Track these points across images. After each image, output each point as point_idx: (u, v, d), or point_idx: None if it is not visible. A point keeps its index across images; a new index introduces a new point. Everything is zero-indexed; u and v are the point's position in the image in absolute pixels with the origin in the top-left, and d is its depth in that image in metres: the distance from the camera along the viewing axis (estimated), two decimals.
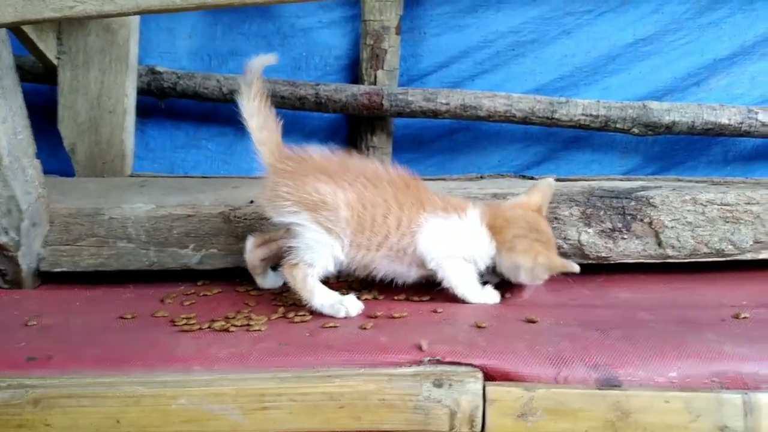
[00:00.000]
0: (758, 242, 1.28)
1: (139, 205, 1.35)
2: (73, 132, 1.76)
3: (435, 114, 1.88)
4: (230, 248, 1.31)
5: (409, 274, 1.15)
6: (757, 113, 1.77)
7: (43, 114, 1.84)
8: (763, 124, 1.77)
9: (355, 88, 1.87)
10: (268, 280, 1.25)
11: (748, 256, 1.29)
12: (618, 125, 1.80)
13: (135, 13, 1.16)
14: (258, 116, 1.17)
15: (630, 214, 1.29)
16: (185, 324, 1.05)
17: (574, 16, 1.93)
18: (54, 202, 1.34)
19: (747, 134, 1.80)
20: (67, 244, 1.31)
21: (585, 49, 1.95)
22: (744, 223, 1.28)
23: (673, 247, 1.28)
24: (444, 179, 1.58)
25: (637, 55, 1.94)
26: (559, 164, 2.01)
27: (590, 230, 1.29)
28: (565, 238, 1.29)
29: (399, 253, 1.12)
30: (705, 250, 1.28)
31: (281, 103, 1.89)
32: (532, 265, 1.12)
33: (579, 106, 1.81)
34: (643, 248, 1.29)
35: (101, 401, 0.86)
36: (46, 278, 1.33)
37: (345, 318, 1.07)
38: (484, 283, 1.17)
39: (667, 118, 1.78)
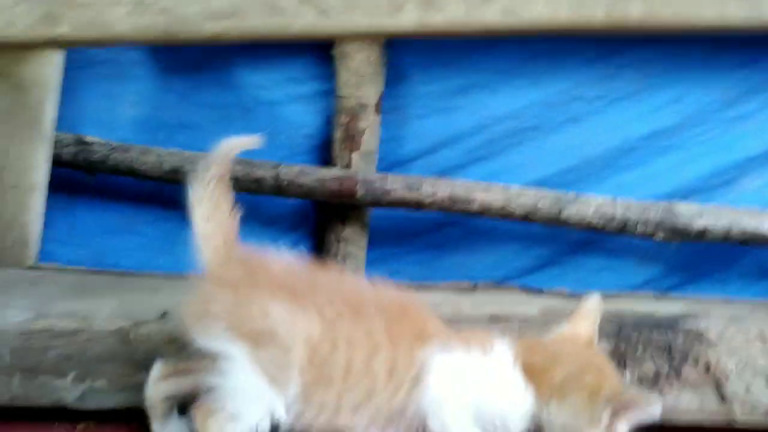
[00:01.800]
0: None
1: (12, 312, 0.99)
2: None
3: (418, 205, 1.56)
4: (125, 381, 0.94)
5: None
6: None
7: None
8: None
9: (323, 172, 1.56)
10: (170, 428, 0.87)
11: None
12: (639, 229, 1.49)
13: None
14: (207, 203, 0.89)
15: (680, 352, 0.95)
16: None
17: (583, 102, 1.67)
18: None
19: None
20: None
21: (595, 141, 1.68)
22: None
23: (742, 403, 0.93)
24: (429, 288, 1.24)
25: (655, 150, 1.66)
26: (565, 270, 1.69)
27: (626, 373, 0.94)
28: None
29: (390, 420, 0.76)
30: None
31: (234, 184, 1.56)
32: (593, 407, 0.74)
33: (591, 205, 1.51)
34: (700, 404, 0.94)
35: None
36: None
37: None
38: None
39: (698, 223, 1.47)
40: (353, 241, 1.66)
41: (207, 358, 0.80)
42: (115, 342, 0.95)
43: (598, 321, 0.87)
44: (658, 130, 1.65)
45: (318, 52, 1.70)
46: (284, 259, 0.86)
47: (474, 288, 1.26)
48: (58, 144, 1.56)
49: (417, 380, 0.76)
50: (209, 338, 0.80)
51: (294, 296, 0.80)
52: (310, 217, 1.75)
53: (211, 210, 0.89)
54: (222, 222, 0.89)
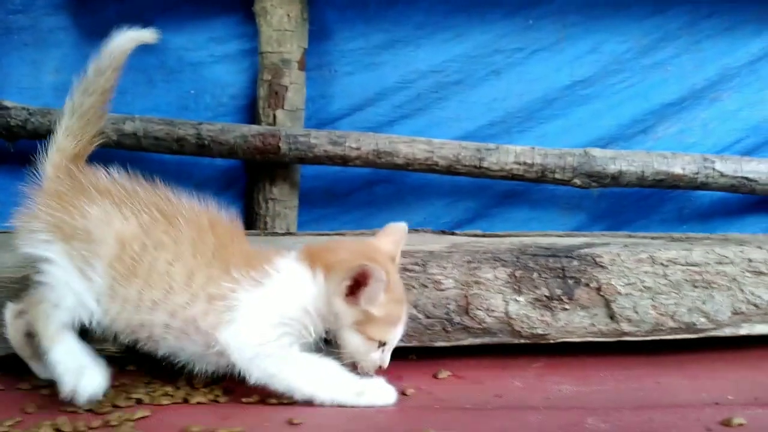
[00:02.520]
0: (737, 313, 0.98)
1: None
2: None
3: (344, 161, 1.57)
4: None
5: (214, 360, 0.81)
6: (714, 162, 1.54)
7: None
8: (722, 175, 1.53)
9: (245, 128, 1.56)
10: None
11: (727, 332, 0.99)
12: (557, 175, 1.53)
13: None
14: (76, 117, 0.92)
15: (572, 277, 0.98)
16: None
17: (504, 55, 1.70)
18: None
19: (704, 186, 1.56)
20: None
21: (517, 92, 1.71)
22: (718, 288, 0.99)
23: (629, 320, 0.97)
24: (343, 234, 1.25)
25: (575, 99, 1.70)
26: (492, 222, 1.72)
27: (521, 298, 0.97)
28: (488, 310, 0.97)
29: (187, 324, 0.79)
30: (671, 324, 0.97)
31: (155, 145, 1.56)
32: (347, 273, 0.80)
33: (511, 153, 1.54)
34: (591, 322, 0.98)
35: None
36: None
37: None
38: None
39: (612, 167, 1.52)
40: (283, 201, 1.67)
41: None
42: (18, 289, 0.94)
43: (402, 243, 0.91)
44: (577, 81, 1.68)
45: (240, 11, 1.68)
46: (117, 174, 0.90)
47: None
48: None
49: (214, 300, 0.79)
50: (32, 243, 0.84)
51: (113, 202, 0.84)
52: (239, 178, 1.74)
53: (79, 124, 0.92)
54: (82, 139, 0.92)
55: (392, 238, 0.90)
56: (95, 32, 1.78)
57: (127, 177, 0.89)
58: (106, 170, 0.90)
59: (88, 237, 0.81)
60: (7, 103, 1.58)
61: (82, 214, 0.82)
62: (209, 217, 0.85)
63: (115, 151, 1.62)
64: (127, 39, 0.96)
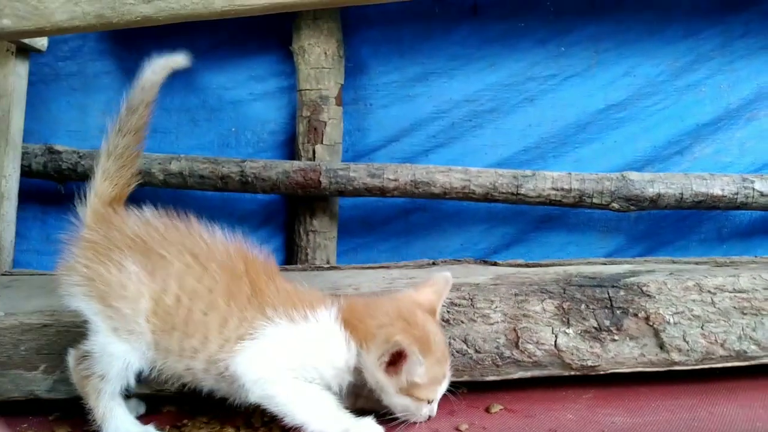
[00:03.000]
0: None
1: None
2: None
3: (382, 192, 1.61)
4: None
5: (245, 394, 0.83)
6: (753, 182, 1.53)
7: None
8: (762, 194, 1.52)
9: (287, 164, 1.61)
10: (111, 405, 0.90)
11: None
12: (595, 200, 1.54)
13: None
14: (112, 159, 0.93)
15: (620, 308, 0.99)
16: None
17: (537, 82, 1.72)
18: None
19: (743, 206, 1.55)
20: None
21: (551, 118, 1.73)
22: (767, 314, 0.99)
23: (679, 350, 0.98)
24: (387, 267, 1.28)
25: (610, 123, 1.71)
26: (530, 246, 1.74)
27: (570, 330, 0.99)
28: (538, 343, 0.98)
29: (219, 366, 0.82)
30: (721, 352, 0.98)
31: (201, 183, 1.62)
32: (383, 350, 0.79)
33: (548, 180, 1.56)
34: (641, 352, 0.98)
35: None
36: None
37: None
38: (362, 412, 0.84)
39: (650, 190, 1.52)
40: (323, 232, 1.71)
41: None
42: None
43: (446, 293, 0.91)
44: (611, 104, 1.70)
45: (278, 50, 1.75)
46: (143, 215, 0.91)
47: (433, 263, 1.30)
48: (28, 155, 1.60)
49: (242, 339, 0.81)
50: (71, 297, 0.86)
51: (147, 252, 0.84)
52: (280, 211, 1.79)
53: (116, 167, 0.92)
54: (120, 183, 0.92)
55: (434, 289, 0.90)
56: (138, 75, 1.87)
57: (163, 218, 0.90)
58: (141, 213, 0.91)
59: (125, 292, 0.83)
60: (59, 148, 1.66)
61: (119, 268, 0.84)
62: (244, 258, 0.86)
63: (162, 190, 1.69)
64: (157, 68, 0.96)
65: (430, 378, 0.81)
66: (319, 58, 1.66)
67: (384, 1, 1.36)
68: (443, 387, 0.84)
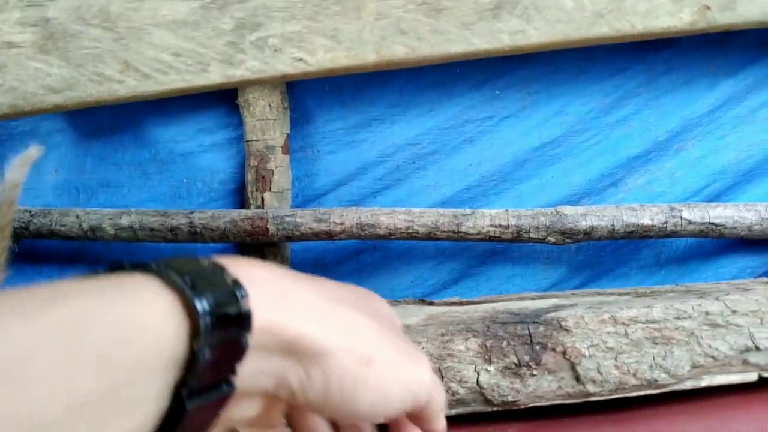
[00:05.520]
0: (696, 366, 1.04)
1: None
2: None
3: (329, 235, 1.66)
4: None
5: None
6: (681, 211, 1.61)
7: None
8: (690, 222, 1.60)
9: (235, 214, 1.65)
10: None
11: (688, 385, 1.04)
12: (532, 234, 1.60)
13: None
14: None
15: (539, 343, 1.05)
16: None
17: (474, 124, 1.80)
18: None
19: (674, 234, 1.62)
20: None
21: (490, 157, 1.80)
22: (676, 343, 1.05)
23: (593, 381, 1.03)
24: None
25: (546, 160, 1.79)
26: (478, 281, 1.79)
27: (491, 368, 1.03)
28: (461, 381, 1.03)
29: None
30: (633, 382, 1.03)
31: (151, 236, 1.65)
32: None
33: (486, 217, 1.62)
34: (559, 385, 1.03)
35: None
36: None
37: None
38: None
39: (584, 224, 1.59)
40: None
41: None
42: None
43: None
44: (546, 142, 1.78)
45: (225, 102, 1.81)
46: None
47: None
48: None
49: None
50: None
51: None
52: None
53: None
54: None
55: None
56: (91, 131, 1.92)
57: None
58: None
59: None
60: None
61: None
62: None
63: (115, 244, 1.73)
64: (16, 170, 1.03)
65: None
66: (264, 110, 1.73)
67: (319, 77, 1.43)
68: None
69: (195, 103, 1.87)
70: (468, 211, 1.71)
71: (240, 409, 0.54)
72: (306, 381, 0.51)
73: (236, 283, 0.49)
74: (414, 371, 0.58)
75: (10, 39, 1.32)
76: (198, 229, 1.65)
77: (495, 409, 1.02)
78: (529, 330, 1.05)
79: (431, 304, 1.31)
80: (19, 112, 1.34)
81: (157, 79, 1.30)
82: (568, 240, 1.64)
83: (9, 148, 1.88)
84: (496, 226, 1.65)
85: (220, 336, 0.45)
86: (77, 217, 1.66)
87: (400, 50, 1.35)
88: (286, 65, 1.37)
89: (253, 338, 0.48)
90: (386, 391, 0.54)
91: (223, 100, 1.89)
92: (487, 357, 1.04)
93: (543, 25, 1.39)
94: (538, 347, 1.04)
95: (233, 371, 0.47)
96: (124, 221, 1.66)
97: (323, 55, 1.30)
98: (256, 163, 1.78)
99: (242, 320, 0.47)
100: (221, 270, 0.49)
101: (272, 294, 0.52)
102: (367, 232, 1.70)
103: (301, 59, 1.33)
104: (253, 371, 0.49)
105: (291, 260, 1.82)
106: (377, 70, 1.51)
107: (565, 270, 1.86)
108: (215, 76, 1.35)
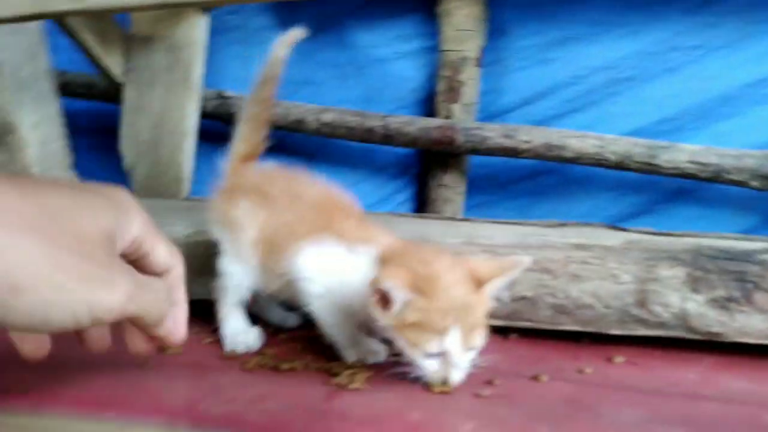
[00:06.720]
0: None
1: (178, 228, 1.24)
2: (134, 152, 1.71)
3: (515, 153, 1.68)
4: None
5: None
6: None
7: (112, 134, 1.82)
8: None
9: (427, 121, 1.72)
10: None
11: None
12: (733, 176, 1.53)
13: (159, 7, 1.09)
14: (248, 125, 1.09)
15: (751, 281, 1.03)
16: None
17: (681, 52, 1.70)
18: None
19: None
20: None
21: (692, 89, 1.70)
22: None
23: None
24: (517, 223, 1.36)
25: (756, 98, 1.66)
26: (659, 218, 1.75)
27: (699, 297, 1.04)
28: (665, 305, 1.05)
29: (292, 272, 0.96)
30: None
31: (349, 133, 1.77)
32: (373, 285, 0.83)
33: (685, 152, 1.56)
34: None
35: None
36: None
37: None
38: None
39: None
40: (452, 187, 1.82)
41: None
42: None
43: (511, 274, 0.87)
44: (759, 79, 1.65)
45: (423, 11, 1.84)
46: (264, 167, 1.07)
47: (562, 225, 1.37)
48: (203, 98, 1.82)
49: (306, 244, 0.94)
50: (213, 229, 1.06)
51: (258, 194, 1.00)
52: (414, 164, 1.92)
53: (251, 131, 1.08)
54: (253, 143, 1.08)
55: (500, 265, 0.88)
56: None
57: (277, 168, 1.06)
58: (263, 166, 1.08)
59: (239, 225, 1.01)
60: (228, 93, 1.87)
61: (235, 206, 1.02)
62: (332, 200, 0.99)
63: (314, 138, 1.87)
64: (279, 46, 1.10)
65: (423, 320, 0.80)
66: (462, 20, 1.74)
67: None
68: (449, 345, 0.81)
69: (394, 10, 1.92)
70: (665, 143, 1.64)
71: None
72: None
73: None
74: (92, 296, 0.57)
75: None
76: (391, 133, 1.74)
77: (696, 337, 1.03)
78: (741, 267, 1.04)
79: (625, 230, 1.31)
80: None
81: None
82: None
83: (225, 39, 2.05)
84: (694, 163, 1.58)
85: None
86: (285, 108, 1.81)
87: None
88: None
89: None
90: (41, 317, 0.55)
91: (422, 8, 1.91)
92: (694, 287, 1.04)
93: None
94: (750, 285, 1.03)
95: None
96: (326, 117, 1.78)
97: None
98: (449, 74, 1.80)
99: None
100: None
101: None
102: (553, 153, 1.70)
103: None
104: None
105: (469, 175, 1.87)
106: None
107: (758, 219, 1.73)
108: None
